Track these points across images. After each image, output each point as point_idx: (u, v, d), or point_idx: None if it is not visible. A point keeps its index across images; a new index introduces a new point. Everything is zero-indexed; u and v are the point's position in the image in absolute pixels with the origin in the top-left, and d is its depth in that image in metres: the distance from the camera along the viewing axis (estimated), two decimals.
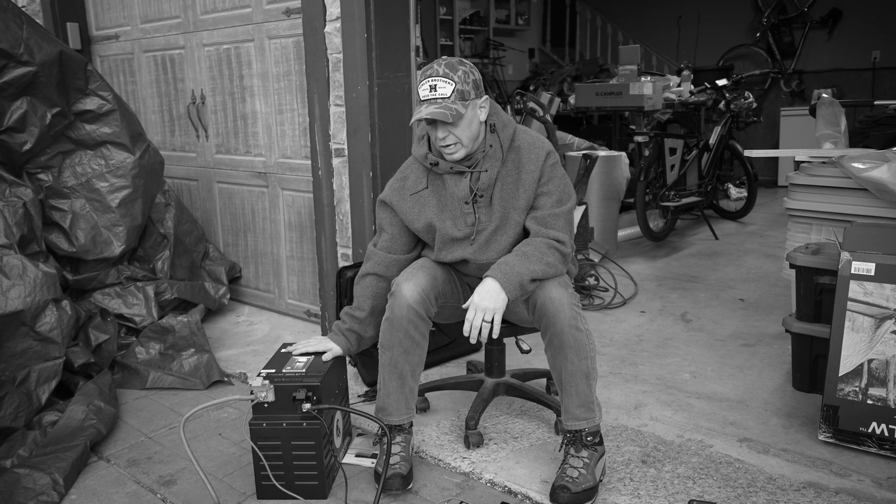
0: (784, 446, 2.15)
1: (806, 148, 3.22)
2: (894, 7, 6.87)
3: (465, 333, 1.87)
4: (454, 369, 2.79)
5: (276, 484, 1.89)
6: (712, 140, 5.20)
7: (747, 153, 3.62)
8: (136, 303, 2.97)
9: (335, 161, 2.92)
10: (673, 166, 4.74)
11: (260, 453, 1.89)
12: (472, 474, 2.04)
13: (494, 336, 1.86)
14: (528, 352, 2.29)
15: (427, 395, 2.46)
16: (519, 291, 1.87)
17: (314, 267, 3.26)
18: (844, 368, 2.11)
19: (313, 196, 3.05)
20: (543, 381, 2.56)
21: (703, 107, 5.37)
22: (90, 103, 2.95)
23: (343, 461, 2.12)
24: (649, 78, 5.36)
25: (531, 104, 4.46)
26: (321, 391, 1.89)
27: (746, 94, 5.35)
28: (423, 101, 1.87)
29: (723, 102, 5.26)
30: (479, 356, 2.80)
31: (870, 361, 2.08)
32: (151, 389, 2.69)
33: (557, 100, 5.57)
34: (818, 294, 2.41)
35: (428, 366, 2.56)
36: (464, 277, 2.14)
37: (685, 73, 5.68)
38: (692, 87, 5.54)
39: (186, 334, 2.87)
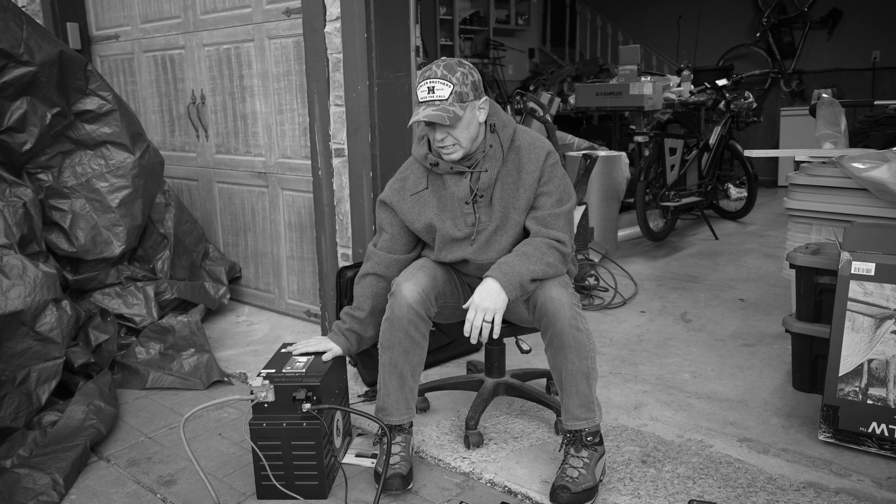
0: (784, 446, 2.15)
1: (806, 148, 3.22)
2: (894, 7, 6.87)
3: (466, 333, 1.87)
4: (454, 369, 2.79)
5: (276, 484, 1.89)
6: (712, 140, 5.20)
7: (747, 153, 3.62)
8: (136, 303, 2.97)
9: (335, 161, 2.92)
10: (673, 166, 4.74)
11: (260, 453, 1.89)
12: (472, 474, 2.04)
13: (495, 336, 1.86)
14: (528, 352, 2.29)
15: (427, 395, 2.46)
16: (519, 291, 1.87)
17: (314, 267, 3.26)
18: (844, 368, 2.11)
19: (313, 196, 3.05)
20: (543, 381, 2.56)
21: (703, 107, 5.37)
22: (90, 103, 2.95)
23: (343, 461, 2.12)
24: (649, 78, 5.36)
25: (531, 104, 4.46)
26: (321, 391, 1.89)
27: (746, 94, 5.35)
28: (421, 102, 1.87)
29: (723, 102, 5.26)
30: (479, 356, 2.80)
31: (870, 361, 2.08)
32: (151, 389, 2.69)
33: (557, 100, 5.57)
34: (818, 294, 2.41)
35: (428, 366, 2.56)
36: (464, 277, 2.14)
37: (685, 73, 5.68)
38: (692, 87, 5.54)
39: (186, 334, 2.87)
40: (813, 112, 3.37)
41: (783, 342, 2.92)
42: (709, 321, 3.30)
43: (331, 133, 2.91)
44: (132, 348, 2.83)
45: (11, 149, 2.81)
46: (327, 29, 2.81)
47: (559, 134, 5.03)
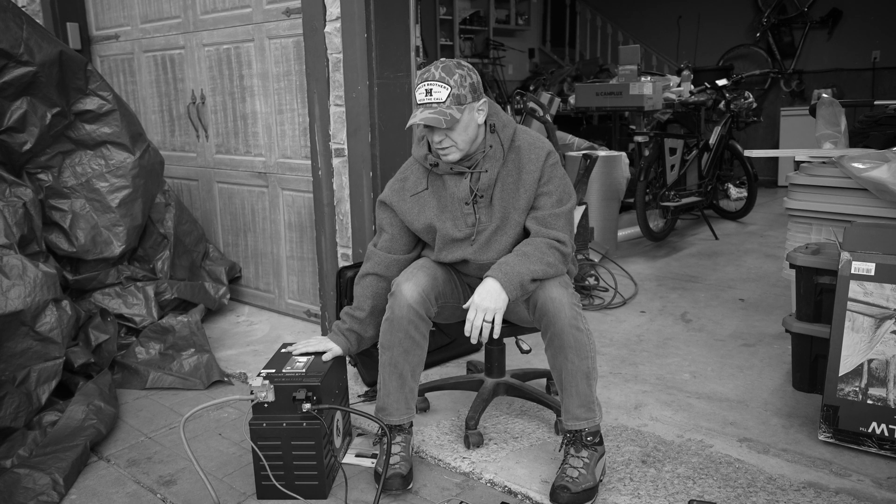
0: (784, 446, 2.15)
1: (806, 148, 3.22)
2: (894, 7, 6.87)
3: (466, 333, 1.87)
4: (454, 369, 2.79)
5: (276, 484, 1.89)
6: (712, 140, 5.20)
7: (747, 153, 3.62)
8: (136, 303, 2.97)
9: (335, 161, 2.92)
10: (673, 166, 4.74)
11: (260, 453, 1.89)
12: (472, 474, 2.04)
13: (495, 336, 1.86)
14: (528, 352, 2.29)
15: (427, 395, 2.46)
16: (519, 291, 1.87)
17: (314, 267, 3.26)
18: (844, 368, 2.11)
19: (313, 196, 3.05)
20: (543, 381, 2.56)
21: (703, 107, 5.37)
22: (90, 103, 2.95)
23: (343, 461, 2.12)
24: (649, 78, 5.36)
25: (531, 104, 4.46)
26: (321, 391, 1.89)
27: (746, 94, 5.35)
28: (420, 104, 1.87)
29: (723, 102, 5.26)
30: (479, 356, 2.80)
31: (870, 361, 2.08)
32: (151, 389, 2.69)
33: (557, 100, 5.57)
34: (818, 294, 2.41)
35: (428, 366, 2.56)
36: (464, 277, 2.14)
37: (685, 73, 5.68)
38: (692, 87, 5.54)
39: (186, 334, 2.87)
40: (813, 112, 3.37)
41: (783, 342, 2.92)
42: (709, 321, 3.30)
43: (331, 133, 2.91)
44: (132, 348, 2.83)
45: (11, 149, 2.81)
46: (327, 29, 2.81)
47: (559, 134, 5.03)
